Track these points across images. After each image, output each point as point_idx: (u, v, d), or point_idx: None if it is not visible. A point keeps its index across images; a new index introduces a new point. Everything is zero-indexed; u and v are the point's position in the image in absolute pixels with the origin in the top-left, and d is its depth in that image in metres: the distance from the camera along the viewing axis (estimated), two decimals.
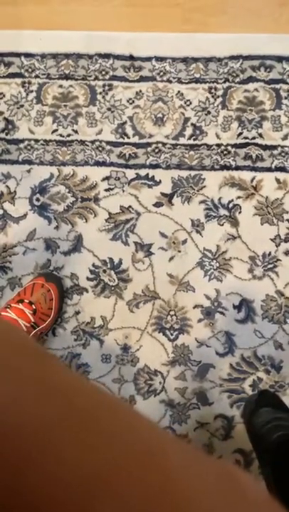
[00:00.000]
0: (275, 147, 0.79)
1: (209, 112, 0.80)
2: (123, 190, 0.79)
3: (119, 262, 0.78)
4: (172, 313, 0.77)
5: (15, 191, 0.80)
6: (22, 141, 0.81)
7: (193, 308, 0.77)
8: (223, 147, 0.79)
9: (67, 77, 0.82)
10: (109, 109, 0.81)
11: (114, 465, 0.13)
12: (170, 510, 0.13)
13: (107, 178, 0.79)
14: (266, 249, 0.77)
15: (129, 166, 0.80)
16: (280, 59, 0.81)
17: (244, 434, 0.67)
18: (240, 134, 0.79)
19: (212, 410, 0.75)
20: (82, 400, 0.15)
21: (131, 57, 0.82)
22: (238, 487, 0.16)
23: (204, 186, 0.79)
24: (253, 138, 0.79)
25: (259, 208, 0.78)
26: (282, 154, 0.79)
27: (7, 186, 0.81)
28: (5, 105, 0.82)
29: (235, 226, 0.78)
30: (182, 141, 0.80)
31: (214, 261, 0.77)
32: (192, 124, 0.80)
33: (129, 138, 0.80)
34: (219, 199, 0.78)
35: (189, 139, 0.80)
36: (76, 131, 0.81)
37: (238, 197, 0.78)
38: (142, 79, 0.82)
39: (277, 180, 0.78)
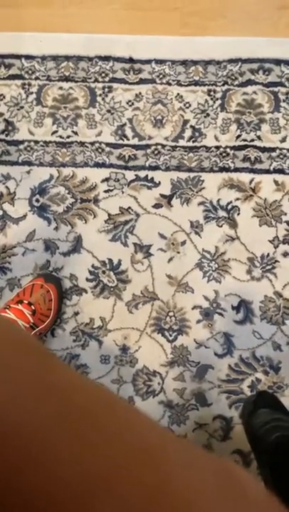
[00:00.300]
0: (273, 149, 0.80)
1: (208, 115, 0.81)
2: (122, 192, 0.80)
3: (118, 262, 0.78)
4: (171, 314, 0.77)
5: (14, 192, 0.81)
6: (22, 142, 0.82)
7: (192, 309, 0.77)
8: (222, 149, 0.80)
9: (67, 79, 0.83)
10: (108, 111, 0.82)
11: (113, 463, 0.13)
12: (169, 509, 0.13)
13: (106, 180, 0.80)
14: (264, 250, 0.77)
15: (128, 167, 0.80)
16: (278, 62, 0.81)
17: (243, 435, 0.67)
18: (239, 136, 0.80)
19: (211, 411, 0.75)
20: (81, 398, 0.15)
21: (131, 60, 0.83)
22: (237, 484, 0.16)
23: (203, 188, 0.79)
24: (252, 140, 0.80)
25: (257, 210, 0.78)
26: (281, 156, 0.79)
27: (7, 187, 0.81)
28: (5, 106, 0.83)
29: (233, 227, 0.78)
30: (181, 143, 0.80)
31: (213, 262, 0.77)
32: (191, 126, 0.81)
33: (128, 140, 0.81)
34: (218, 201, 0.79)
35: (188, 141, 0.80)
36: (76, 133, 0.81)
37: (237, 198, 0.79)
38: (142, 81, 0.82)
39: (276, 182, 0.79)
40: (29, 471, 0.12)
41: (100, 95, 0.82)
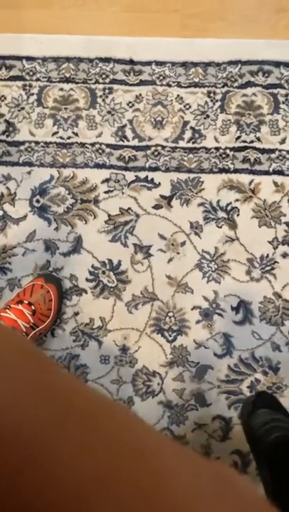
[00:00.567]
0: (272, 151, 0.80)
1: (208, 116, 0.81)
2: (122, 193, 0.80)
3: (118, 263, 0.78)
4: (171, 314, 0.77)
5: (15, 193, 0.81)
6: (23, 143, 0.82)
7: (192, 309, 0.77)
8: (221, 150, 0.80)
9: (67, 81, 0.83)
10: (109, 112, 0.82)
11: (111, 466, 0.13)
12: None
13: (106, 181, 0.80)
14: (264, 251, 0.78)
15: (128, 168, 0.80)
16: (277, 64, 0.82)
17: (242, 436, 0.68)
18: (239, 137, 0.80)
19: (210, 411, 0.75)
20: (81, 401, 0.15)
21: (131, 62, 0.83)
22: (233, 489, 0.16)
23: (203, 189, 0.79)
24: (251, 141, 0.80)
25: (257, 211, 0.79)
26: (280, 158, 0.80)
27: (7, 188, 0.81)
28: (6, 107, 0.83)
29: (233, 228, 0.79)
30: (181, 144, 0.81)
31: (212, 263, 0.78)
32: (191, 128, 0.81)
33: (128, 141, 0.81)
34: (218, 202, 0.79)
35: (188, 142, 0.81)
36: (76, 134, 0.82)
37: (237, 200, 0.79)
38: (142, 83, 0.83)
39: (275, 184, 0.79)
40: (28, 474, 0.12)
41: (101, 96, 0.83)
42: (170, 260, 0.78)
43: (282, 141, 0.80)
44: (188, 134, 0.81)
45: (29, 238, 0.80)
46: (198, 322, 0.77)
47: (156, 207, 0.79)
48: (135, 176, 0.80)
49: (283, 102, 0.81)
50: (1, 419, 0.12)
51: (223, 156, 0.80)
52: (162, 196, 0.79)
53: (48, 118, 0.82)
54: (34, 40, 0.84)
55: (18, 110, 0.83)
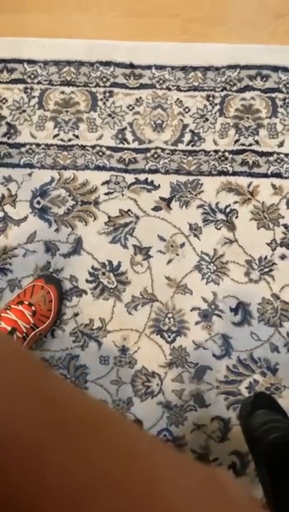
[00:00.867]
0: (271, 154, 0.81)
1: (207, 119, 0.82)
2: (122, 194, 0.81)
3: (118, 264, 0.79)
4: (170, 315, 0.78)
5: (16, 194, 0.82)
6: (24, 145, 0.83)
7: (191, 310, 0.78)
8: (220, 153, 0.81)
9: (68, 84, 0.84)
10: (109, 115, 0.83)
11: (105, 471, 0.13)
12: None
13: (107, 183, 0.81)
14: (262, 253, 0.78)
15: (128, 170, 0.81)
16: (275, 69, 0.83)
17: (241, 436, 0.68)
18: (238, 140, 0.81)
19: (209, 412, 0.76)
20: (76, 407, 0.15)
21: (131, 65, 0.84)
22: (225, 491, 0.16)
23: (202, 191, 0.80)
24: (250, 145, 0.81)
25: (255, 213, 0.80)
26: (278, 161, 0.81)
27: (8, 189, 0.82)
28: (7, 110, 0.84)
29: (232, 230, 0.79)
30: (181, 147, 0.81)
31: (211, 264, 0.78)
32: (190, 131, 0.82)
33: (129, 143, 0.82)
34: (216, 204, 0.80)
35: (188, 145, 0.81)
36: (77, 136, 0.83)
37: (235, 202, 0.80)
38: (142, 86, 0.84)
39: (273, 186, 0.80)
40: (25, 484, 0.12)
41: (101, 100, 0.84)
42: (169, 261, 0.79)
43: (281, 144, 0.81)
44: (187, 137, 0.82)
45: (30, 239, 0.80)
46: (197, 323, 0.77)
47: (156, 209, 0.80)
48: (135, 178, 0.81)
49: (281, 106, 0.82)
50: (1, 429, 0.12)
51: (222, 158, 0.81)
52: (162, 198, 0.80)
53: (49, 120, 0.83)
54: (36, 44, 0.85)
55: (20, 113, 0.84)
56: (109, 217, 0.80)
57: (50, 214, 0.81)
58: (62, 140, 0.82)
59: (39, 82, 0.84)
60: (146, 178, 0.81)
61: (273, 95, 0.83)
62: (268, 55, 0.83)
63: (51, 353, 0.77)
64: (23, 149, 0.82)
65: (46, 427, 0.13)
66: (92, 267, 0.79)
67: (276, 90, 0.83)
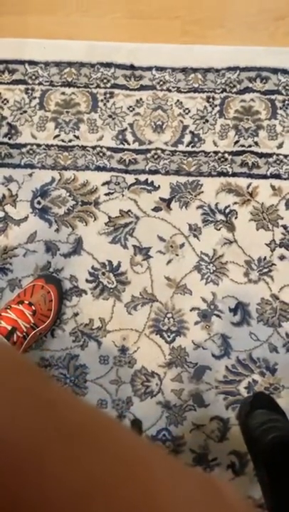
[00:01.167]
0: (270, 155, 0.81)
1: (207, 121, 0.83)
2: (123, 195, 0.81)
3: (118, 264, 0.79)
4: (169, 315, 0.78)
5: (16, 194, 0.82)
6: (24, 145, 0.83)
7: (190, 310, 0.78)
8: (220, 154, 0.82)
9: (69, 85, 0.85)
10: (110, 116, 0.84)
11: (103, 480, 0.13)
12: None
13: (107, 183, 0.81)
14: (261, 253, 0.79)
15: (128, 171, 0.82)
16: (275, 71, 0.84)
17: (239, 436, 0.68)
18: (237, 142, 0.82)
19: (208, 412, 0.76)
20: (73, 414, 0.15)
21: (132, 67, 0.85)
22: (219, 495, 0.16)
23: (202, 192, 0.81)
24: (249, 146, 0.82)
25: (255, 214, 0.80)
26: (277, 162, 0.81)
27: (9, 189, 0.82)
28: (8, 111, 0.84)
29: (231, 231, 0.80)
30: (181, 148, 0.82)
31: (211, 265, 0.79)
32: (190, 132, 0.82)
33: (129, 144, 0.82)
34: (216, 204, 0.80)
35: (188, 146, 0.82)
36: (77, 137, 0.83)
37: (235, 203, 0.80)
38: (143, 87, 0.84)
39: (273, 187, 0.81)
40: (24, 492, 0.12)
41: (102, 101, 0.84)
42: (169, 262, 0.79)
43: (280, 146, 0.82)
44: (187, 138, 0.82)
45: (30, 239, 0.80)
46: (196, 323, 0.78)
47: (156, 209, 0.80)
48: (135, 179, 0.81)
49: (280, 108, 0.83)
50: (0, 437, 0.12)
51: (222, 159, 0.81)
52: (162, 199, 0.81)
53: (50, 121, 0.84)
54: (37, 45, 0.85)
55: (21, 113, 0.84)
56: (109, 217, 0.80)
57: (51, 214, 0.81)
58: (62, 141, 0.83)
59: (40, 83, 0.85)
60: (147, 179, 0.81)
61: (273, 97, 0.83)
62: (268, 57, 0.84)
63: (51, 353, 0.78)
64: (23, 150, 0.83)
65: (44, 434, 0.13)
66: (92, 267, 0.79)
67: (276, 92, 0.83)
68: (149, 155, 0.82)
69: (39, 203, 0.82)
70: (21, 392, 0.14)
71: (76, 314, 0.78)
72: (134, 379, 0.77)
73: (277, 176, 0.81)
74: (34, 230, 0.81)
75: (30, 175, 0.82)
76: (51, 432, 0.14)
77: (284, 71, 0.84)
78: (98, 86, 0.84)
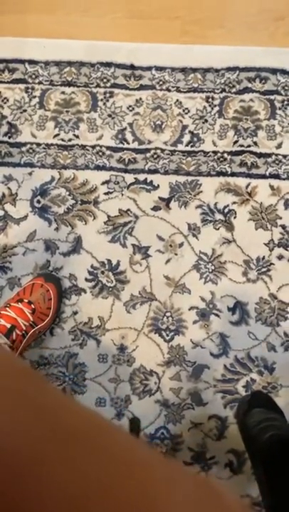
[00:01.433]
0: (269, 155, 0.82)
1: (206, 120, 0.83)
2: (122, 194, 0.81)
3: (117, 263, 0.79)
4: (168, 314, 0.78)
5: (16, 193, 0.82)
6: (24, 144, 0.83)
7: (189, 309, 0.78)
8: (219, 154, 0.82)
9: (69, 84, 0.85)
10: (109, 116, 0.84)
11: (101, 483, 0.13)
12: None
13: (106, 182, 0.82)
14: (260, 253, 0.79)
15: (128, 170, 0.82)
16: (274, 71, 0.84)
17: (237, 435, 0.69)
18: (236, 141, 0.82)
19: (206, 411, 0.76)
20: (70, 417, 0.15)
21: (132, 67, 0.85)
22: (216, 496, 0.17)
23: (201, 191, 0.81)
24: (248, 146, 0.82)
25: (254, 214, 0.80)
26: (276, 162, 0.81)
27: (9, 188, 0.82)
28: (8, 109, 0.85)
29: (230, 230, 0.80)
30: (180, 147, 0.82)
31: (210, 264, 0.79)
32: (190, 132, 0.83)
33: (128, 144, 0.83)
34: (215, 204, 0.81)
35: (187, 145, 0.82)
36: (77, 136, 0.83)
37: (234, 202, 0.81)
38: (142, 87, 0.84)
39: (271, 187, 0.81)
40: (24, 498, 0.12)
41: (102, 100, 0.84)
42: (168, 261, 0.79)
43: (279, 146, 0.82)
44: (186, 138, 0.82)
45: (29, 238, 0.81)
46: (195, 322, 0.78)
47: (155, 208, 0.81)
48: (134, 178, 0.81)
49: (280, 108, 0.83)
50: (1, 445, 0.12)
51: (221, 159, 0.82)
52: (161, 198, 0.81)
53: (50, 120, 0.84)
54: (37, 44, 0.85)
55: (21, 112, 0.84)
56: (108, 216, 0.81)
57: (50, 213, 0.81)
58: (62, 140, 0.83)
59: (40, 82, 0.85)
60: (146, 178, 0.81)
61: (272, 97, 0.83)
62: (267, 57, 0.84)
63: (50, 351, 0.78)
64: (23, 148, 0.83)
65: (42, 439, 0.13)
66: (92, 266, 0.80)
67: (275, 92, 0.83)
68: (148, 154, 0.82)
69: (39, 201, 0.82)
70: (20, 398, 0.14)
71: (75, 313, 0.79)
72: (132, 377, 0.77)
73: (276, 176, 0.81)
74: (34, 228, 0.81)
75: (30, 174, 0.82)
76: (48, 437, 0.14)
77: (283, 71, 0.84)
78: (98, 85, 0.85)
